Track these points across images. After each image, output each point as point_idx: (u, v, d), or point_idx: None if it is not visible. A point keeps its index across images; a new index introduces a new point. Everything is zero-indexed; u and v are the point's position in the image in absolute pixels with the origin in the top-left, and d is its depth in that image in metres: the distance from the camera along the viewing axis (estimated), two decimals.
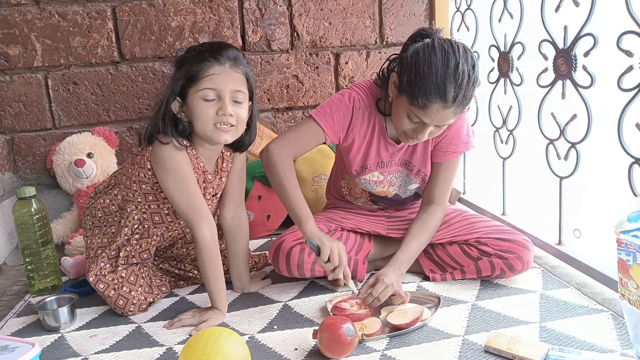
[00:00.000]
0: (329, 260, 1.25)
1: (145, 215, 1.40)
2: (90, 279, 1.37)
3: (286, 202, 1.35)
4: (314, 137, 1.40)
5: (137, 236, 1.41)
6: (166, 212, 1.39)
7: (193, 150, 1.34)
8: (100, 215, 1.45)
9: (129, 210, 1.39)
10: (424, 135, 1.29)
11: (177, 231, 1.46)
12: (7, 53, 1.98)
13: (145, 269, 1.45)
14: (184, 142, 1.31)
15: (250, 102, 1.34)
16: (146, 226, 1.41)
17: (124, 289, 1.38)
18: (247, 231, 1.51)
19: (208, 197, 1.39)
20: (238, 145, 1.40)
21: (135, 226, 1.41)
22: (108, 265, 1.39)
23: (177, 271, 1.55)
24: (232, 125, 1.28)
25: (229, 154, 1.43)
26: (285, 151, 1.37)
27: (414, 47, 1.25)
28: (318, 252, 1.26)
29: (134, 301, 1.38)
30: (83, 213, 1.50)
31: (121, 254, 1.39)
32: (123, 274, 1.39)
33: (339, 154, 1.56)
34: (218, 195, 1.45)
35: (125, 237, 1.40)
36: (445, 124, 1.28)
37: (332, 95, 2.19)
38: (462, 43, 1.24)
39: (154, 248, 1.45)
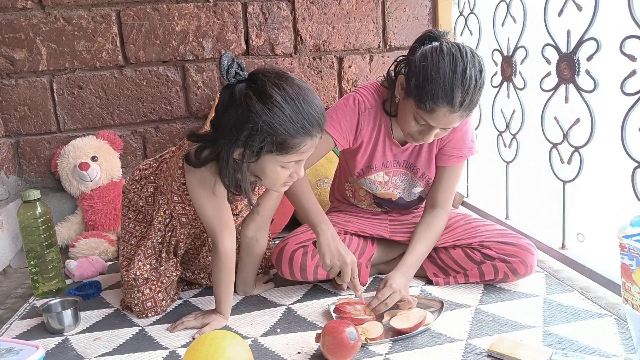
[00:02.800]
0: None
1: (173, 214, 1.38)
2: (137, 272, 1.37)
3: (299, 209, 1.38)
4: (324, 145, 1.40)
5: (170, 233, 1.40)
6: (192, 213, 1.35)
7: None
8: (142, 204, 1.43)
9: (160, 202, 1.38)
10: (430, 138, 1.30)
11: (199, 228, 1.43)
12: (12, 57, 1.99)
13: (174, 282, 1.45)
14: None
15: None
16: (174, 224, 1.39)
17: (159, 295, 1.39)
18: (264, 251, 1.48)
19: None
20: None
21: (167, 220, 1.39)
22: (148, 266, 1.39)
23: (192, 278, 1.55)
24: None
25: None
26: None
27: (422, 50, 1.25)
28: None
29: (158, 310, 1.39)
30: (123, 193, 1.46)
31: (163, 252, 1.40)
32: (164, 280, 1.40)
33: (343, 157, 1.56)
34: (242, 215, 1.42)
35: (160, 233, 1.39)
36: (451, 127, 1.28)
37: (336, 100, 2.21)
38: (469, 47, 1.24)
39: (184, 246, 1.43)
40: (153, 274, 1.39)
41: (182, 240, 1.42)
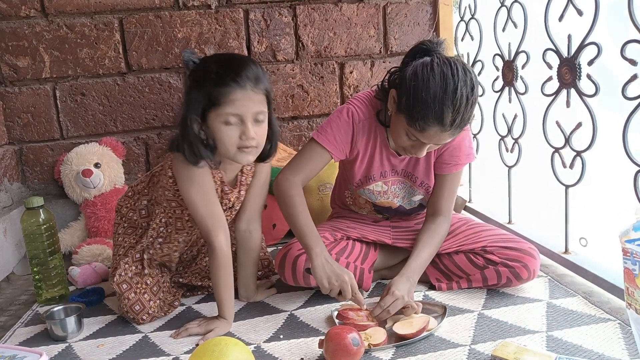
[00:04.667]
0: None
1: (170, 220, 1.41)
2: (115, 279, 1.38)
3: (295, 230, 1.37)
4: (320, 159, 1.42)
5: (160, 240, 1.43)
6: (187, 218, 1.40)
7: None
8: (135, 218, 1.47)
9: (156, 212, 1.42)
10: (422, 152, 1.30)
11: (195, 235, 1.47)
12: (16, 65, 2.01)
13: (167, 284, 1.46)
14: (216, 160, 1.30)
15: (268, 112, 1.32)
16: (169, 230, 1.43)
17: (145, 296, 1.39)
18: (259, 245, 1.50)
19: (224, 209, 1.38)
20: (260, 157, 1.37)
21: (161, 229, 1.42)
22: (133, 267, 1.41)
23: (186, 282, 1.55)
24: (255, 147, 1.27)
25: (249, 167, 1.42)
26: (293, 179, 1.39)
27: (412, 66, 1.24)
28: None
29: (150, 311, 1.39)
30: (116, 211, 1.50)
31: (145, 257, 1.42)
32: (148, 281, 1.41)
33: (342, 166, 1.56)
34: (236, 209, 1.44)
35: (150, 239, 1.42)
36: (442, 143, 1.29)
37: (337, 106, 2.21)
38: (461, 62, 1.23)
39: (177, 255, 1.45)
40: (136, 277, 1.41)
41: (176, 247, 1.43)
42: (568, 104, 1.48)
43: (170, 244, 1.43)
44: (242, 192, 1.43)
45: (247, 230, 1.47)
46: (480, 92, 1.98)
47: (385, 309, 1.27)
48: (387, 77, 1.37)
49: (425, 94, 1.19)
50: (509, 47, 1.76)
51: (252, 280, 1.49)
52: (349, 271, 1.30)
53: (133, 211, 1.47)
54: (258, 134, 1.26)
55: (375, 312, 1.28)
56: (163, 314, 1.42)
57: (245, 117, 1.23)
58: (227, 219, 1.41)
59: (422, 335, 1.21)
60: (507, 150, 1.85)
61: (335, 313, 1.33)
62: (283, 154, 2.11)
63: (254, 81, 1.23)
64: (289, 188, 1.39)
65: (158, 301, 1.41)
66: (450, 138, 1.27)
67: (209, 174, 1.32)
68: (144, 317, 1.38)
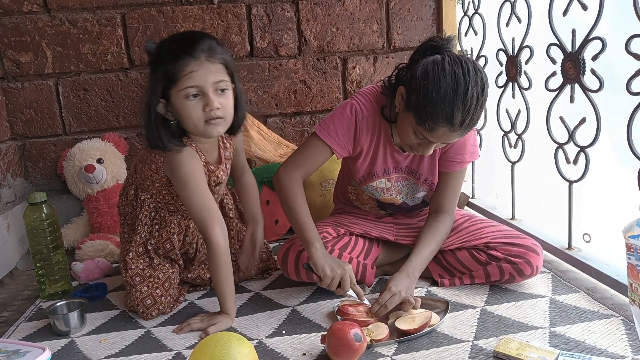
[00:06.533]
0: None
1: (160, 204, 1.43)
2: (128, 272, 1.40)
3: (294, 224, 1.38)
4: (321, 154, 1.41)
5: (157, 226, 1.44)
6: (180, 203, 1.41)
7: (193, 144, 1.34)
8: (130, 210, 1.48)
9: (143, 198, 1.43)
10: (429, 151, 1.30)
11: (190, 220, 1.47)
12: (18, 60, 2.01)
13: (177, 280, 1.47)
14: (184, 142, 1.32)
15: (233, 85, 1.33)
16: (162, 215, 1.44)
17: (158, 291, 1.40)
18: (257, 189, 1.58)
19: (213, 185, 1.40)
20: (230, 130, 1.39)
21: (153, 214, 1.43)
22: (142, 261, 1.42)
23: (194, 276, 1.55)
24: (221, 118, 1.28)
25: (229, 143, 1.45)
26: (293, 174, 1.39)
27: (423, 64, 1.22)
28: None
29: (160, 307, 1.39)
30: (119, 213, 1.53)
31: (149, 248, 1.43)
32: (160, 276, 1.42)
33: (345, 162, 1.56)
34: (224, 183, 1.47)
35: (146, 227, 1.43)
36: (450, 142, 1.29)
37: (340, 102, 2.21)
38: (472, 61, 1.21)
39: (177, 239, 1.45)
40: (148, 270, 1.41)
41: (173, 229, 1.43)
42: (572, 99, 1.47)
43: (167, 228, 1.44)
44: (228, 167, 1.46)
45: (244, 183, 1.55)
46: None
47: (382, 304, 1.27)
48: (394, 73, 1.36)
49: (436, 94, 1.18)
50: (513, 42, 1.75)
51: (260, 235, 1.52)
52: (348, 263, 1.32)
53: (126, 205, 1.49)
54: (223, 104, 1.27)
55: (374, 308, 1.28)
56: (169, 310, 1.43)
57: (205, 88, 1.24)
58: (217, 196, 1.44)
59: (425, 330, 1.21)
60: (510, 146, 1.84)
61: (336, 309, 1.33)
62: (286, 149, 2.11)
63: (207, 52, 1.25)
64: (289, 182, 1.39)
65: (169, 297, 1.42)
66: (458, 138, 1.26)
67: (200, 167, 1.33)
68: (154, 313, 1.39)
